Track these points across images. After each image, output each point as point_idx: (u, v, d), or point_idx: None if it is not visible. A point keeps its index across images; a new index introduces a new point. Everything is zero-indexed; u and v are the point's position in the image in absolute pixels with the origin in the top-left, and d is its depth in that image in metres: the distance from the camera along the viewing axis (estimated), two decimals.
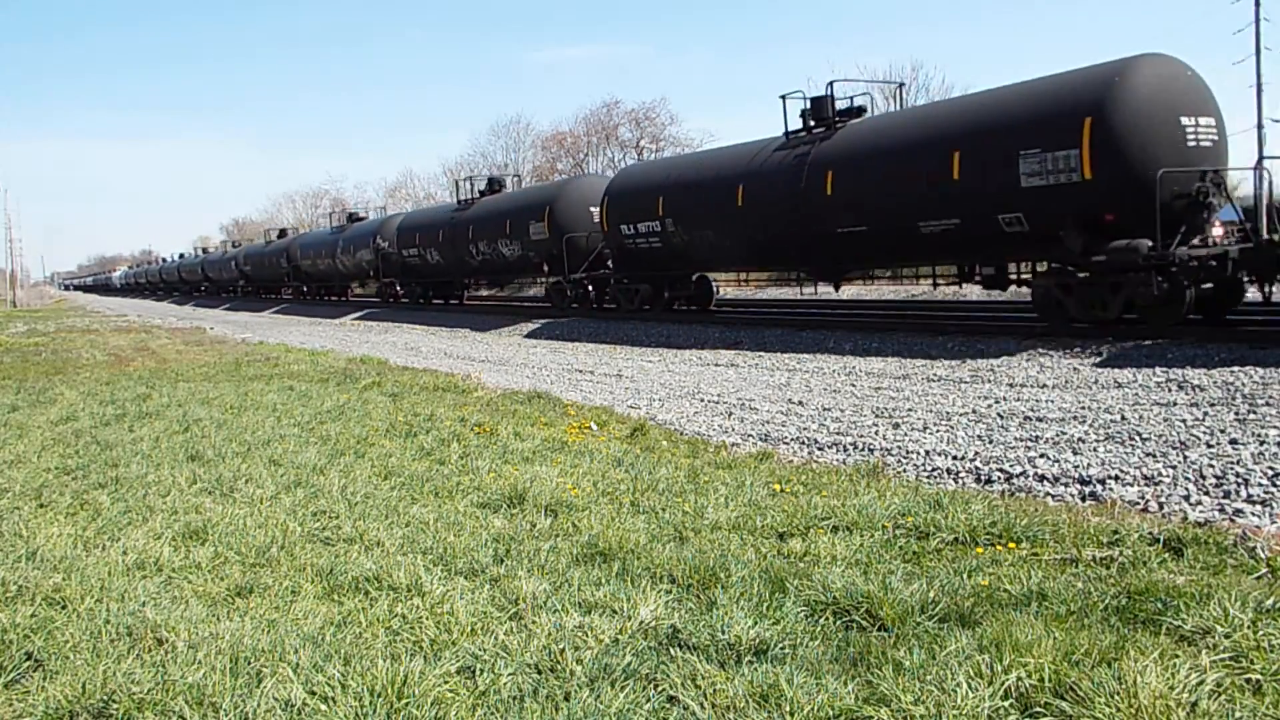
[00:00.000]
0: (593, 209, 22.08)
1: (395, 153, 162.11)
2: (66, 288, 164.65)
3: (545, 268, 23.40)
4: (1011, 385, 9.71)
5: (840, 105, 15.98)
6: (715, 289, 21.27)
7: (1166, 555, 4.49)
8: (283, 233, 51.06)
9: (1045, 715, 2.98)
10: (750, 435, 8.56)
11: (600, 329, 19.08)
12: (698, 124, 79.21)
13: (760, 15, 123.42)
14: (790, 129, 16.44)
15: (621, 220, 19.74)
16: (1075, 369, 9.98)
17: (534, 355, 16.83)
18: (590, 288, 22.09)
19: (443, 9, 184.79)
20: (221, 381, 13.18)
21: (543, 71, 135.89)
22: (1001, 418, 8.20)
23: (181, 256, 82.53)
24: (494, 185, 28.46)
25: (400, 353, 18.53)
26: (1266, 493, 5.50)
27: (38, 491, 6.62)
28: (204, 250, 76.87)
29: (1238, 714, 2.95)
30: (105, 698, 3.28)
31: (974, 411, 8.59)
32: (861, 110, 15.91)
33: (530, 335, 20.49)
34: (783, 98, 16.60)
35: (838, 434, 8.26)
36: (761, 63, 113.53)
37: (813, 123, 16.04)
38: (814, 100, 16.10)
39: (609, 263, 21.37)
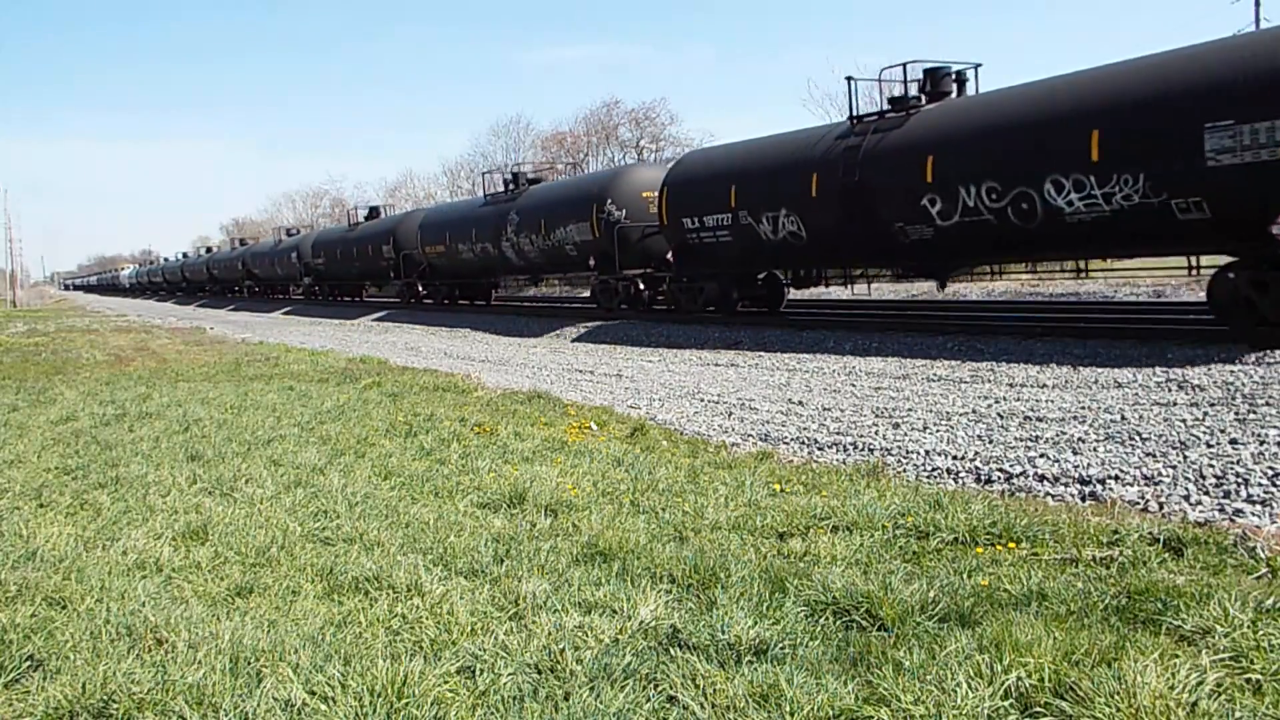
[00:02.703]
0: None
1: (395, 153, 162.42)
2: (68, 287, 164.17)
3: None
4: (1011, 385, 9.71)
5: None
6: None
7: (1166, 555, 4.49)
8: (374, 212, 37.63)
9: (1045, 715, 2.98)
10: (750, 435, 8.56)
11: None
12: (698, 124, 79.29)
13: (760, 15, 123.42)
14: None
15: None
16: (1075, 369, 9.97)
17: (534, 355, 16.82)
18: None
19: (442, 9, 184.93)
20: (221, 381, 13.18)
21: (542, 71, 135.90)
22: (1001, 417, 8.20)
23: (208, 251, 68.79)
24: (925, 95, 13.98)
25: (400, 353, 18.53)
26: (1266, 493, 5.50)
27: (38, 491, 6.62)
28: (240, 241, 61.34)
29: (1238, 714, 2.95)
30: (105, 698, 3.28)
31: (974, 411, 8.59)
32: None
33: None
34: None
35: (838, 434, 8.25)
36: (761, 62, 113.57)
37: None
38: None
39: None
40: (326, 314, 34.70)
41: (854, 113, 14.78)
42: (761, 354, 13.90)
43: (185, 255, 74.76)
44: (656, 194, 18.99)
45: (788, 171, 15.29)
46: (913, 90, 14.26)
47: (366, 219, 36.55)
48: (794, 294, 19.56)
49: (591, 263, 21.29)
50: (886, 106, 14.48)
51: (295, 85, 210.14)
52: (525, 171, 26.20)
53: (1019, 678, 3.14)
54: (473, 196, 35.09)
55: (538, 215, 22.81)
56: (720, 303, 17.76)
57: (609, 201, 20.42)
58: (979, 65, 14.23)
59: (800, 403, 9.92)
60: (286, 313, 38.21)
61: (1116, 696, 2.96)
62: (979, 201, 12.42)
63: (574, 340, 18.43)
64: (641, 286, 20.27)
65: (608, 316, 20.44)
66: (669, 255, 18.78)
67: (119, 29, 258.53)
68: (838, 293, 23.03)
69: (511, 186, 25.37)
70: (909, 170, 13.19)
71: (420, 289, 31.25)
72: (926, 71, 14.17)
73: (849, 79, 15.11)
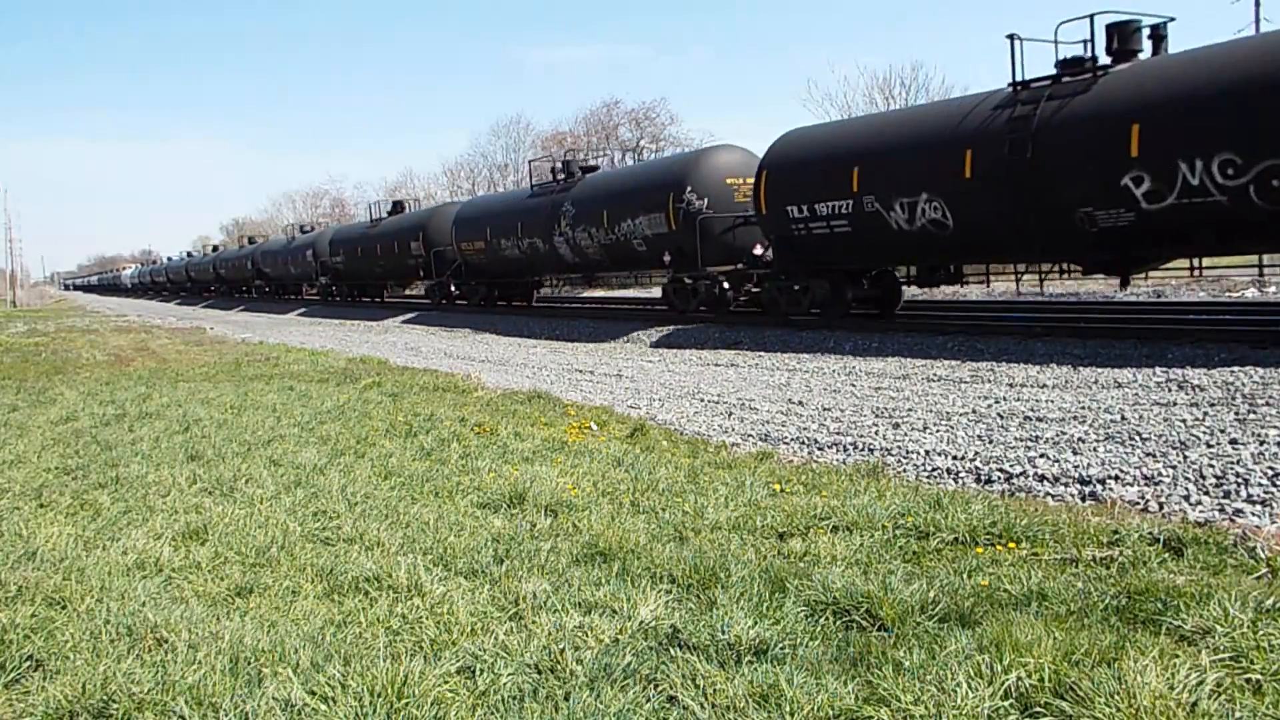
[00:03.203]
0: None
1: (395, 153, 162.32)
2: (68, 287, 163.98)
3: None
4: (1011, 385, 9.71)
5: None
6: None
7: (1166, 555, 4.49)
8: (398, 206, 34.17)
9: (1045, 715, 2.98)
10: (750, 435, 8.56)
11: None
12: (698, 124, 79.16)
13: (760, 15, 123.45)
14: None
15: None
16: (1075, 369, 9.98)
17: (534, 355, 16.82)
18: None
19: (443, 9, 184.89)
20: (222, 381, 13.18)
21: (543, 71, 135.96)
22: (1001, 418, 8.20)
23: (215, 249, 62.88)
24: None
25: (400, 353, 18.53)
26: (1266, 493, 5.50)
27: (38, 491, 6.62)
28: (249, 239, 54.55)
29: (1238, 714, 2.95)
30: (105, 698, 3.28)
31: (974, 411, 8.59)
32: None
33: None
34: None
35: (838, 434, 8.25)
36: (761, 63, 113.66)
37: None
38: None
39: None
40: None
41: (1017, 77, 12.21)
42: (761, 354, 13.90)
43: (190, 254, 71.57)
44: (743, 180, 17.47)
45: (932, 149, 12.95)
46: (1069, 53, 11.95)
47: (390, 214, 33.63)
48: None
49: (666, 259, 18.73)
50: (1055, 70, 12.07)
51: (295, 85, 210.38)
52: (579, 159, 23.52)
53: (1019, 678, 3.14)
54: (516, 189, 31.79)
55: (599, 206, 20.19)
56: (829, 304, 15.37)
57: (688, 189, 17.77)
58: (1171, 19, 11.81)
59: (800, 403, 9.92)
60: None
61: (1116, 696, 2.96)
62: (1206, 179, 10.21)
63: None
64: (726, 286, 17.76)
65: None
66: (756, 250, 16.83)
67: (119, 29, 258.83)
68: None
69: (563, 176, 22.48)
70: (1105, 143, 11.03)
71: (452, 289, 28.06)
72: (1112, 27, 11.77)
73: (1012, 37, 12.30)
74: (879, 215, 13.73)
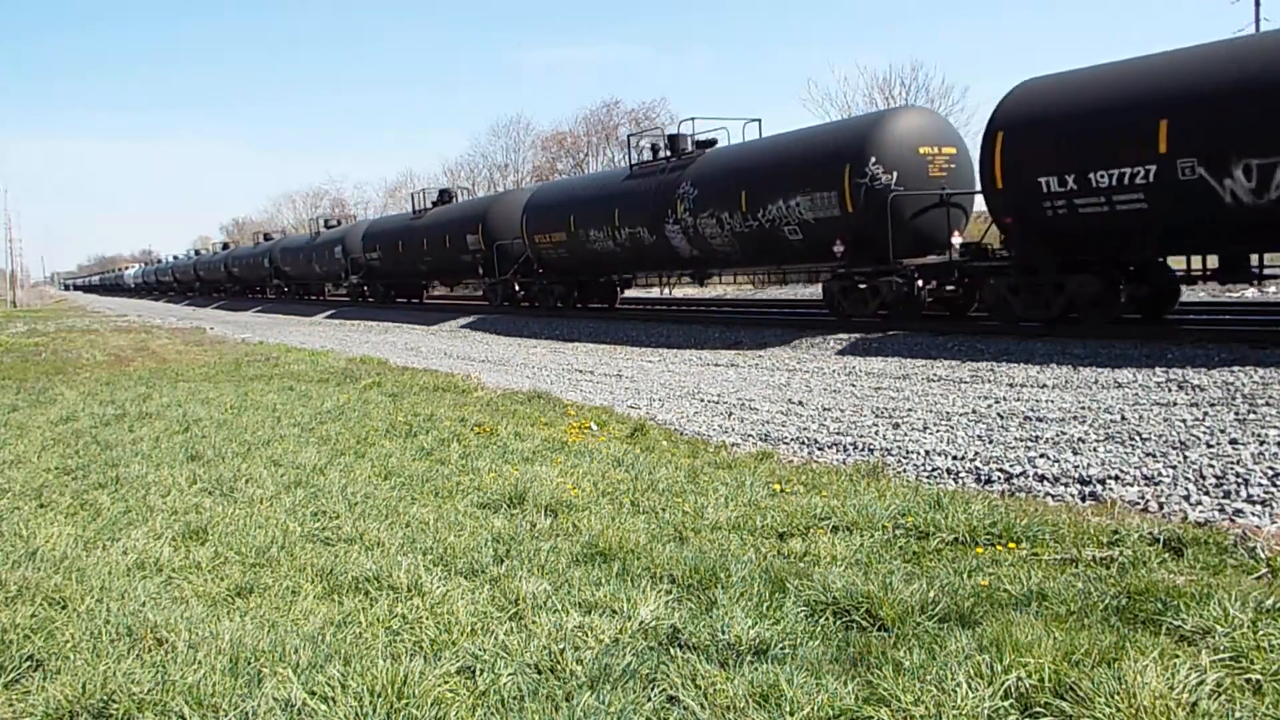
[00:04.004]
0: None
1: (395, 153, 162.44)
2: (68, 287, 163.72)
3: None
4: (1011, 385, 9.71)
5: None
6: None
7: (1166, 555, 4.49)
8: (445, 195, 30.18)
9: (1045, 715, 2.98)
10: (750, 435, 8.56)
11: None
12: (697, 124, 78.99)
13: (759, 15, 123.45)
14: None
15: None
16: (1075, 369, 9.97)
17: (534, 355, 16.82)
18: None
19: (443, 9, 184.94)
20: (221, 381, 13.18)
21: (543, 71, 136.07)
22: (1001, 418, 8.20)
23: (225, 247, 58.70)
24: None
25: (400, 353, 18.53)
26: (1266, 493, 5.50)
27: (38, 491, 6.62)
28: (265, 236, 50.97)
29: (1238, 714, 2.95)
30: (105, 698, 3.28)
31: (974, 411, 8.59)
32: None
33: None
34: None
35: (838, 434, 8.25)
36: (760, 63, 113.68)
37: None
38: None
39: None
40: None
41: None
42: (761, 354, 13.89)
43: (198, 252, 68.65)
44: (938, 149, 14.22)
45: None
46: None
47: (436, 204, 29.80)
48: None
49: (838, 249, 14.68)
50: None
51: (295, 85, 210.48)
52: (687, 133, 18.84)
53: (1019, 678, 3.14)
54: (605, 169, 27.11)
55: (734, 186, 16.36)
56: (1094, 307, 11.85)
57: (872, 160, 13.99)
58: None
59: (800, 403, 9.92)
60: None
61: (1116, 696, 2.96)
62: None
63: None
64: (920, 283, 13.86)
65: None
66: (955, 238, 14.00)
67: (119, 29, 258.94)
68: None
69: (668, 154, 18.77)
70: None
71: (516, 288, 24.29)
72: None
73: None
74: (1202, 185, 10.21)
